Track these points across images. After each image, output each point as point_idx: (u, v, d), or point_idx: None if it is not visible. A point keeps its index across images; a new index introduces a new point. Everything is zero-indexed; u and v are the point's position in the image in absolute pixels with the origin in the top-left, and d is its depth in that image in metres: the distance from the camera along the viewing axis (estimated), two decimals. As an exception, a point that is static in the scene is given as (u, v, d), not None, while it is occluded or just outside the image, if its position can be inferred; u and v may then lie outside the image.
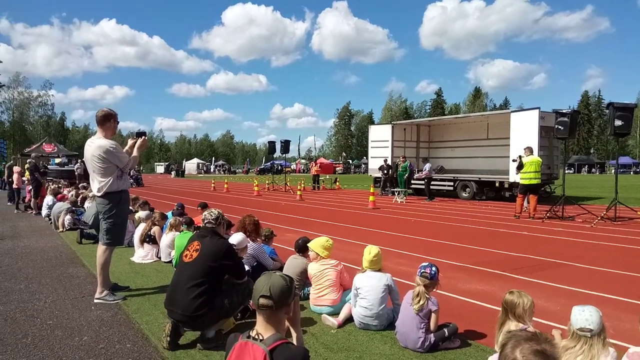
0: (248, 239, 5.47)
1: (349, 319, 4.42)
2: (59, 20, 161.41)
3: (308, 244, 5.04)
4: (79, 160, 28.45)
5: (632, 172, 61.72)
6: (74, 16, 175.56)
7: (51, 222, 11.22)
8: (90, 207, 9.83)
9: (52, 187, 14.13)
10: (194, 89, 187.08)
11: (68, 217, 10.28)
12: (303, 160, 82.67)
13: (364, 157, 68.44)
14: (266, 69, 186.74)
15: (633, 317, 4.50)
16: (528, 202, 12.91)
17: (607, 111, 11.87)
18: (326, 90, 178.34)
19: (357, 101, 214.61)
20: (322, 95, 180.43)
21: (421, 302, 3.74)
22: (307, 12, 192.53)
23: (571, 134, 12.23)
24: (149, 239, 7.25)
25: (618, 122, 10.90)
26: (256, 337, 2.23)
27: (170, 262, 6.83)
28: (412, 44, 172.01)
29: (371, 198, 16.49)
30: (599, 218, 11.38)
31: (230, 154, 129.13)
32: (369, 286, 4.22)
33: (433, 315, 3.77)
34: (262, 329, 2.26)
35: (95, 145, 5.03)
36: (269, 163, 65.69)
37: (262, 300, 2.23)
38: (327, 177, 37.03)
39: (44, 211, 12.71)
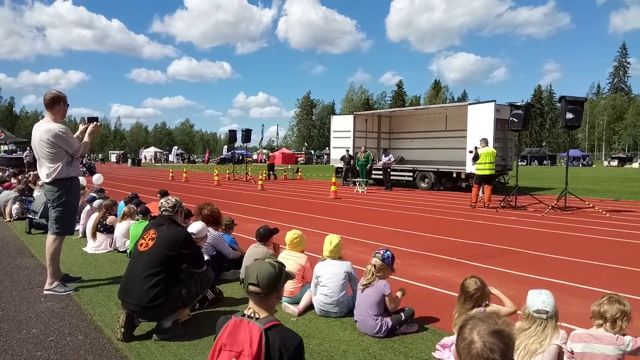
0: (208, 228, 5.37)
1: (310, 307, 4.42)
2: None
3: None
4: (28, 148, 27.12)
5: (580, 165, 64.62)
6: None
7: (-3, 212, 10.65)
8: (39, 196, 9.42)
9: (-2, 175, 13.41)
10: (154, 75, 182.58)
11: (16, 206, 9.78)
12: (265, 150, 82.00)
13: (326, 148, 68.62)
14: (230, 56, 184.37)
15: (580, 301, 4.72)
16: (483, 192, 13.29)
17: (559, 104, 12.32)
18: (291, 79, 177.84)
19: (322, 91, 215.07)
20: (288, 84, 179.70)
21: (368, 278, 3.86)
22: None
23: (525, 126, 12.63)
24: (104, 228, 6.99)
25: (569, 115, 11.34)
26: (252, 315, 2.25)
27: (125, 252, 6.62)
28: (379, 36, 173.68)
29: (333, 188, 16.55)
30: (550, 207, 11.85)
31: (189, 142, 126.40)
32: (329, 274, 4.22)
33: (387, 298, 3.84)
34: (256, 309, 2.29)
35: (44, 129, 4.77)
36: (229, 152, 64.82)
37: (251, 287, 2.28)
38: (289, 167, 36.90)
39: (-11, 200, 12.03)
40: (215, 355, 2.22)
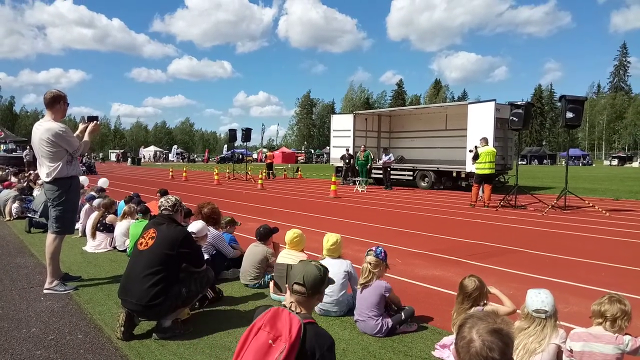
0: (208, 227, 5.37)
1: (309, 306, 4.41)
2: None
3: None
4: (28, 147, 27.12)
5: (580, 164, 64.59)
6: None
7: (-3, 211, 10.65)
8: (39, 195, 9.43)
9: (-2, 174, 13.42)
10: (154, 74, 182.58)
11: (15, 205, 9.78)
12: (265, 149, 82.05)
13: (326, 147, 68.64)
14: (231, 55, 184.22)
15: (579, 300, 4.73)
16: (483, 191, 13.29)
17: (560, 104, 12.32)
18: (292, 78, 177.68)
19: (322, 91, 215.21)
20: (288, 83, 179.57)
21: (365, 277, 3.87)
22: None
23: (525, 125, 12.63)
24: (103, 227, 7.00)
25: (569, 114, 11.33)
26: (293, 309, 2.36)
27: (124, 251, 6.63)
28: (380, 35, 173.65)
29: (333, 187, 16.56)
30: (550, 207, 11.85)
31: (189, 142, 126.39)
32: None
33: (389, 298, 3.86)
34: (297, 306, 2.41)
35: (44, 128, 4.78)
36: (229, 152, 64.85)
37: (296, 287, 2.39)
38: (289, 166, 36.92)
39: (-11, 199, 12.03)
40: (252, 334, 2.28)
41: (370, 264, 3.89)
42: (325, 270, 2.51)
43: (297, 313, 2.32)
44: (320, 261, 4.33)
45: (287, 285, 2.49)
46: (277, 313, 2.30)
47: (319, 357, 2.22)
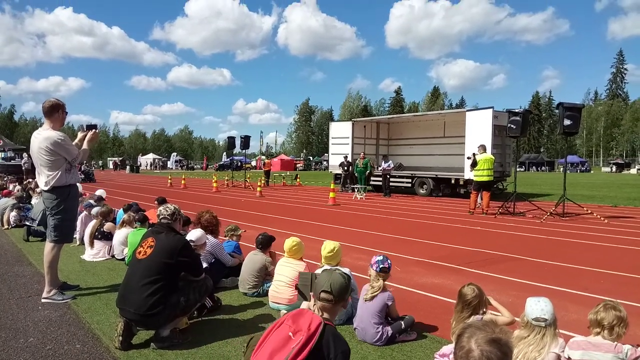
0: (207, 236, 5.36)
1: (308, 315, 4.40)
2: (11, 7, 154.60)
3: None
4: (26, 155, 27.10)
5: (578, 171, 64.68)
6: (26, 3, 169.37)
7: (-5, 219, 10.62)
8: (37, 203, 9.42)
9: (-3, 182, 13.39)
10: (154, 81, 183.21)
11: (14, 213, 9.76)
12: (263, 157, 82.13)
13: (325, 154, 68.68)
14: (230, 63, 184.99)
15: (579, 308, 4.72)
16: (481, 199, 13.30)
17: (557, 111, 12.38)
18: (291, 86, 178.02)
19: (321, 98, 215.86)
20: (287, 91, 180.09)
21: (375, 292, 3.85)
22: (275, 7, 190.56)
23: (523, 132, 12.68)
24: (101, 235, 6.98)
25: (567, 122, 11.38)
26: (315, 312, 2.49)
27: (123, 259, 6.61)
28: (379, 42, 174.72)
29: (331, 194, 16.57)
30: (548, 214, 11.86)
31: (188, 149, 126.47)
32: (327, 281, 4.21)
33: (390, 308, 3.84)
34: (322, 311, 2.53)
35: (43, 136, 4.78)
36: (228, 159, 64.85)
37: (323, 295, 2.51)
38: (288, 173, 36.93)
39: (-13, 208, 11.99)
40: (276, 327, 2.42)
41: (384, 280, 3.89)
42: (349, 278, 2.63)
43: (321, 315, 2.47)
44: (319, 269, 4.35)
45: (311, 293, 2.63)
46: (300, 312, 2.45)
47: (333, 357, 2.31)
